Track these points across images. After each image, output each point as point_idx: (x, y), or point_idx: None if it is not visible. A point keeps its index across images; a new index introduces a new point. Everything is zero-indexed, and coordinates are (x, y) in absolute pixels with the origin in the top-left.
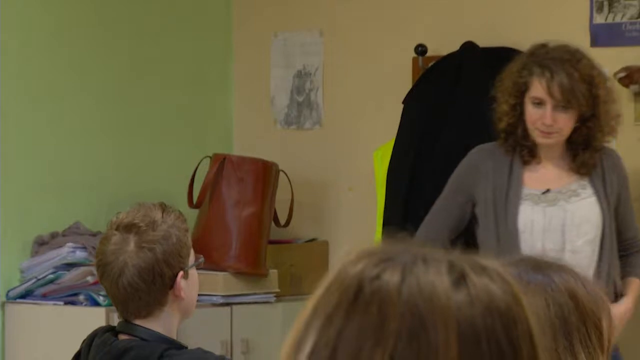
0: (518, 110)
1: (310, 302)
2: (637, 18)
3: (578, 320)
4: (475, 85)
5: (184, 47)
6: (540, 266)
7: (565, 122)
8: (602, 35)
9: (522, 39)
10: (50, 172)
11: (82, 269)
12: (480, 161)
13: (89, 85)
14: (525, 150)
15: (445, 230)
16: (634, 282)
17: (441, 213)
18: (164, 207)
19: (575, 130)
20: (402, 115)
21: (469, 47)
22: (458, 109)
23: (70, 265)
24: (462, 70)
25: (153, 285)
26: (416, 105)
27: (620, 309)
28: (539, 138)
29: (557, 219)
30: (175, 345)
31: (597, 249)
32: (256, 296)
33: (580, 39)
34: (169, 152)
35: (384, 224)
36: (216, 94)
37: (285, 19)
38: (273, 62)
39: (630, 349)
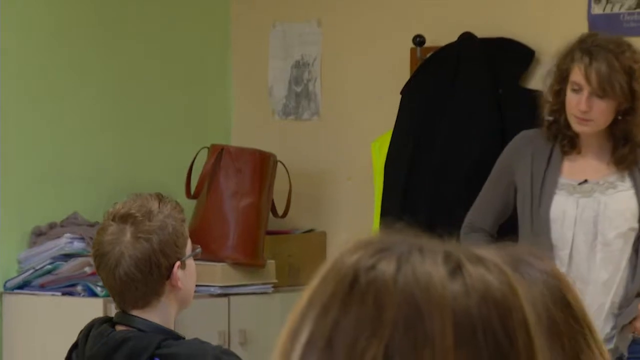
0: (561, 96)
1: (306, 292)
2: (635, 9)
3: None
4: (473, 76)
5: (182, 39)
6: (515, 262)
7: (601, 111)
8: (600, 26)
9: (521, 30)
10: (48, 163)
11: (80, 260)
12: (522, 146)
13: (88, 79)
14: (566, 140)
15: (490, 216)
16: None
17: (486, 198)
18: (160, 198)
19: (615, 123)
20: (400, 105)
21: (467, 38)
22: (456, 100)
23: (68, 256)
24: (460, 61)
25: (150, 276)
26: (414, 96)
27: None
28: (575, 125)
29: (590, 210)
30: (173, 336)
31: (631, 242)
32: (254, 287)
33: (578, 30)
34: (167, 143)
35: (382, 215)
36: (214, 85)
37: (284, 9)
38: (271, 53)
39: None
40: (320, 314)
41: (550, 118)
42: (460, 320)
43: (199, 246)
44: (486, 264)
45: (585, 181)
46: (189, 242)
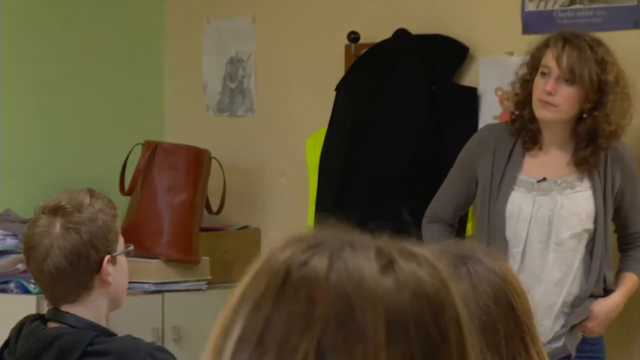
0: (529, 87)
1: (238, 289)
2: (568, 5)
3: (501, 314)
4: (407, 72)
5: (116, 32)
6: (464, 258)
7: (566, 97)
8: (533, 23)
9: (455, 26)
10: None
11: (12, 257)
12: (485, 140)
13: (20, 72)
14: (528, 135)
15: (450, 208)
16: (630, 277)
17: (447, 190)
18: (92, 193)
19: (580, 121)
20: (334, 102)
21: (401, 34)
22: (391, 96)
23: (0, 253)
24: (395, 58)
25: (78, 267)
26: (349, 92)
27: (606, 305)
28: (538, 110)
29: (545, 209)
30: (105, 333)
31: (584, 243)
32: (188, 283)
33: (512, 26)
34: (100, 139)
35: (317, 211)
36: (148, 80)
37: (218, 5)
38: (205, 49)
39: (617, 342)
40: (252, 310)
41: (516, 112)
42: (393, 315)
43: (132, 245)
44: (418, 259)
45: (544, 179)
46: (121, 239)
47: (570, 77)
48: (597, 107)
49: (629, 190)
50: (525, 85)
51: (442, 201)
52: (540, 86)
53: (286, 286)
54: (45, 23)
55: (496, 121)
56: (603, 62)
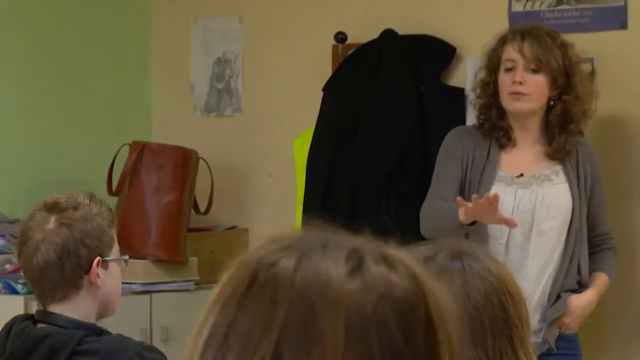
0: (491, 89)
1: (216, 287)
2: (555, 6)
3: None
4: (394, 72)
5: (102, 33)
6: (459, 253)
7: (535, 85)
8: (520, 23)
9: (442, 27)
10: None
11: (0, 257)
12: (464, 138)
13: (8, 71)
14: (501, 132)
15: (451, 188)
16: (601, 277)
17: (443, 176)
18: (92, 197)
19: (551, 109)
20: (322, 102)
21: (388, 35)
22: (378, 96)
23: None
24: (382, 58)
25: (67, 262)
26: (336, 92)
27: (582, 300)
28: (509, 104)
29: (527, 201)
30: (95, 331)
31: (564, 234)
32: (176, 284)
33: (499, 27)
34: (88, 139)
35: (304, 211)
36: (135, 81)
37: (205, 4)
38: (193, 49)
39: (591, 341)
40: (221, 310)
41: (482, 117)
42: (353, 319)
43: (128, 256)
44: (392, 262)
45: (522, 175)
46: (117, 247)
47: (537, 65)
48: (565, 91)
49: (597, 189)
50: (486, 89)
51: (441, 185)
52: (508, 80)
53: (253, 287)
54: (30, 25)
55: None
56: (564, 47)
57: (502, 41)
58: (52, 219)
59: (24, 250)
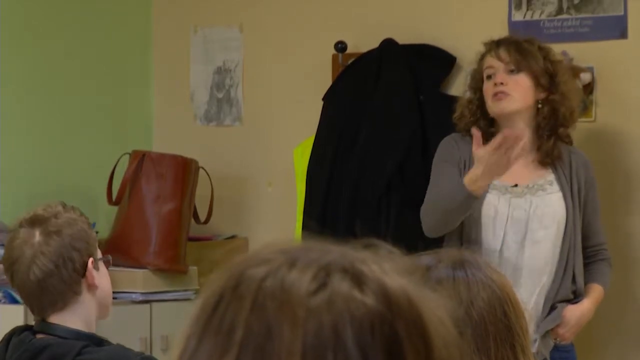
0: (477, 101)
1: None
2: (555, 15)
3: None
4: (394, 81)
5: (102, 42)
6: (462, 262)
7: (516, 83)
8: (520, 33)
9: (442, 36)
10: None
11: (0, 266)
12: (460, 142)
13: (8, 79)
14: (492, 138)
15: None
16: (596, 288)
17: (442, 177)
18: (64, 204)
19: (539, 112)
20: (322, 111)
21: (388, 44)
22: (377, 106)
23: None
24: (382, 67)
25: (64, 269)
26: (336, 102)
27: (577, 311)
28: (492, 106)
29: (521, 210)
30: (95, 341)
31: (558, 243)
32: (176, 293)
33: (499, 36)
34: (88, 148)
35: (304, 220)
36: (136, 90)
37: (205, 14)
38: (193, 58)
39: (587, 351)
40: (189, 331)
41: (470, 132)
42: (310, 340)
43: (110, 255)
44: (360, 278)
45: (516, 185)
46: (98, 249)
47: (516, 66)
48: (551, 91)
49: (591, 197)
50: (471, 107)
51: (439, 187)
52: (490, 86)
53: (217, 309)
54: (30, 34)
55: None
56: (542, 49)
57: (482, 56)
58: (37, 232)
59: (17, 269)
